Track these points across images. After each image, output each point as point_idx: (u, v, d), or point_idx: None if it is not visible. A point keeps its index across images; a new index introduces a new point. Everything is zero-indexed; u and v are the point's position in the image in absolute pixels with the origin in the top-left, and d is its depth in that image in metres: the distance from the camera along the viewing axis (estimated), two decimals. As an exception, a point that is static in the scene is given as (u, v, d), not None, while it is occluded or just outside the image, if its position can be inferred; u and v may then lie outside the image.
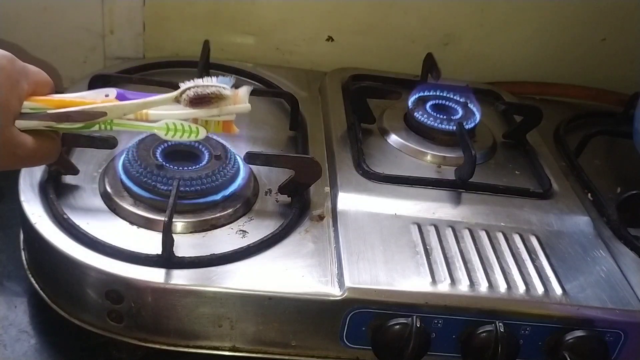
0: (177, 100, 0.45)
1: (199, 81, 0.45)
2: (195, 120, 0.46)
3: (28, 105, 0.44)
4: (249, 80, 0.80)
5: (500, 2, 0.87)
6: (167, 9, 0.84)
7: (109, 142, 0.58)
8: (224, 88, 0.45)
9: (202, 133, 0.47)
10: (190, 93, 0.45)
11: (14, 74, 0.43)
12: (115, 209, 0.56)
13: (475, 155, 0.63)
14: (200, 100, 0.45)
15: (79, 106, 0.45)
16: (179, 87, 0.46)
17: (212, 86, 0.45)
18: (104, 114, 0.45)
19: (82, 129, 0.46)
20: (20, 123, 0.43)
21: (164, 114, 0.46)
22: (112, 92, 0.46)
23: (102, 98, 0.46)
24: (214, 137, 0.62)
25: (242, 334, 0.53)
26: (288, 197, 0.61)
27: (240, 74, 0.81)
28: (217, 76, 0.46)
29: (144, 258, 0.51)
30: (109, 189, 0.57)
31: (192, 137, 0.47)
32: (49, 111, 0.44)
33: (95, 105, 0.45)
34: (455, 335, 0.53)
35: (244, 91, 0.47)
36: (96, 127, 0.46)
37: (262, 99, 0.77)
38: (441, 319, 0.52)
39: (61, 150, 0.49)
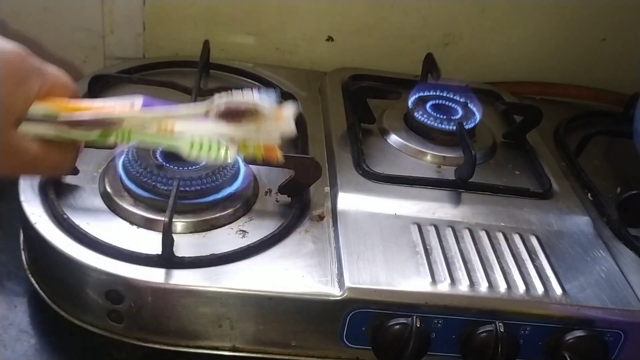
0: (207, 114, 0.40)
1: (236, 94, 0.39)
2: (232, 142, 0.40)
3: (39, 109, 0.39)
4: (249, 80, 0.80)
5: (500, 2, 0.87)
6: (167, 9, 0.84)
7: (109, 142, 0.58)
8: (262, 104, 0.39)
9: (232, 153, 0.40)
10: (221, 106, 0.39)
11: (22, 71, 0.38)
12: (115, 209, 0.56)
13: (475, 155, 0.63)
14: (232, 116, 0.39)
15: (94, 113, 0.40)
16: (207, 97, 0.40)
17: (248, 102, 0.39)
18: (120, 123, 0.40)
19: (98, 140, 0.41)
20: (24, 128, 0.38)
21: (191, 129, 0.40)
22: (139, 101, 0.40)
23: (126, 107, 0.40)
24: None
25: (242, 334, 0.53)
26: (288, 197, 0.61)
27: (240, 74, 0.81)
28: (260, 89, 0.40)
29: (144, 258, 0.51)
30: (109, 189, 0.57)
31: (220, 157, 0.40)
32: (60, 117, 0.39)
33: (112, 113, 0.40)
34: (455, 335, 0.53)
35: (288, 111, 0.40)
36: (112, 139, 0.40)
37: (262, 99, 0.77)
38: (441, 319, 0.52)
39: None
